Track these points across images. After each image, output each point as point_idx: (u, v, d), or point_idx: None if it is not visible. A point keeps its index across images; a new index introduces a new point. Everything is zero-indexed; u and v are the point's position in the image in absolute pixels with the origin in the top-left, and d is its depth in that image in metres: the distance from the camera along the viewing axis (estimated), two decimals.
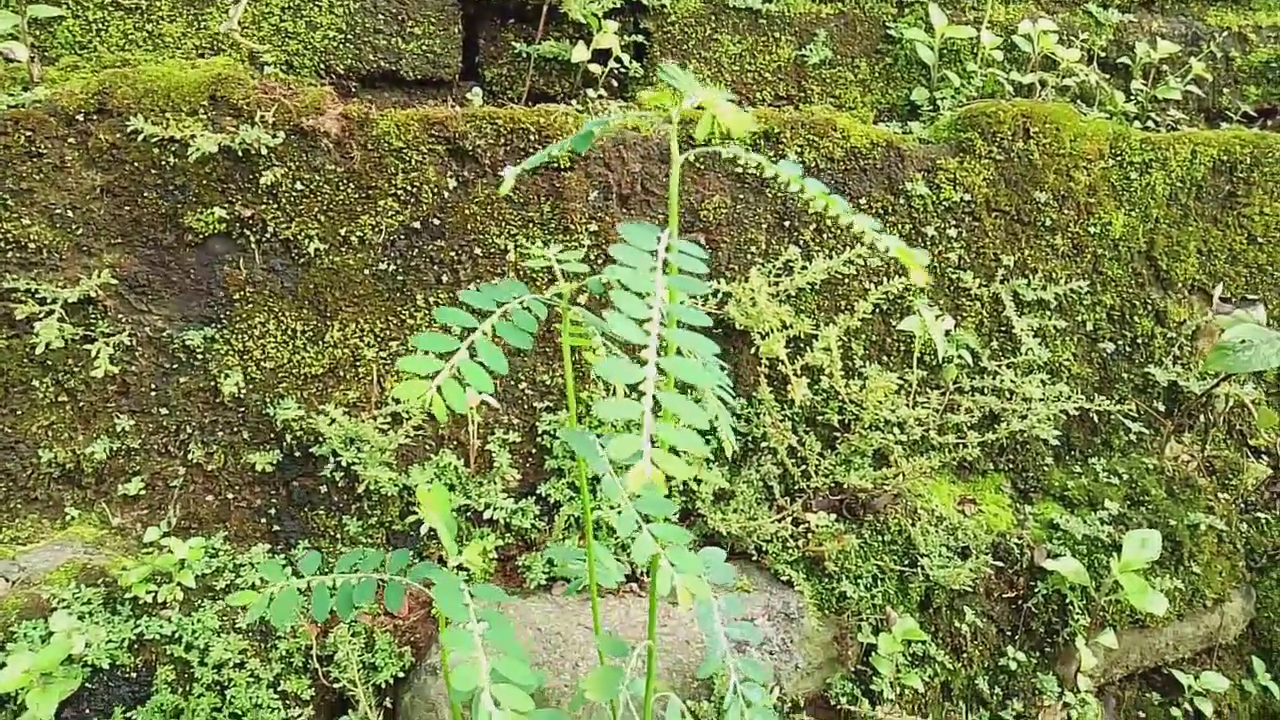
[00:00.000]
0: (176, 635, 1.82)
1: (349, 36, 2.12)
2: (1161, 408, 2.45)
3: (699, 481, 2.11)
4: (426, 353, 0.91)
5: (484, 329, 0.96)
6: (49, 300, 1.81)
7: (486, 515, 2.03)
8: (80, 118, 1.79)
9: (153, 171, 1.82)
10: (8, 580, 1.81)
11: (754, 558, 2.13)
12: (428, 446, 2.03)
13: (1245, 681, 2.43)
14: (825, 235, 2.17)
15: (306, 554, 1.13)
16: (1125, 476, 2.36)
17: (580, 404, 2.10)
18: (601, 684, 1.14)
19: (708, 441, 2.18)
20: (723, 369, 2.16)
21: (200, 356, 1.91)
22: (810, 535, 2.08)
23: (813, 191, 0.95)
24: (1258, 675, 2.42)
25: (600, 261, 2.06)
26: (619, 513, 0.99)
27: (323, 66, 2.12)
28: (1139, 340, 2.43)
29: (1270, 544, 2.41)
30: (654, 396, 0.80)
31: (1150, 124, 2.61)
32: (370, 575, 1.08)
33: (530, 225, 2.01)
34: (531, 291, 1.07)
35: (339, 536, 2.00)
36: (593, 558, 1.16)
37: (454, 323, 0.98)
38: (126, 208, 1.84)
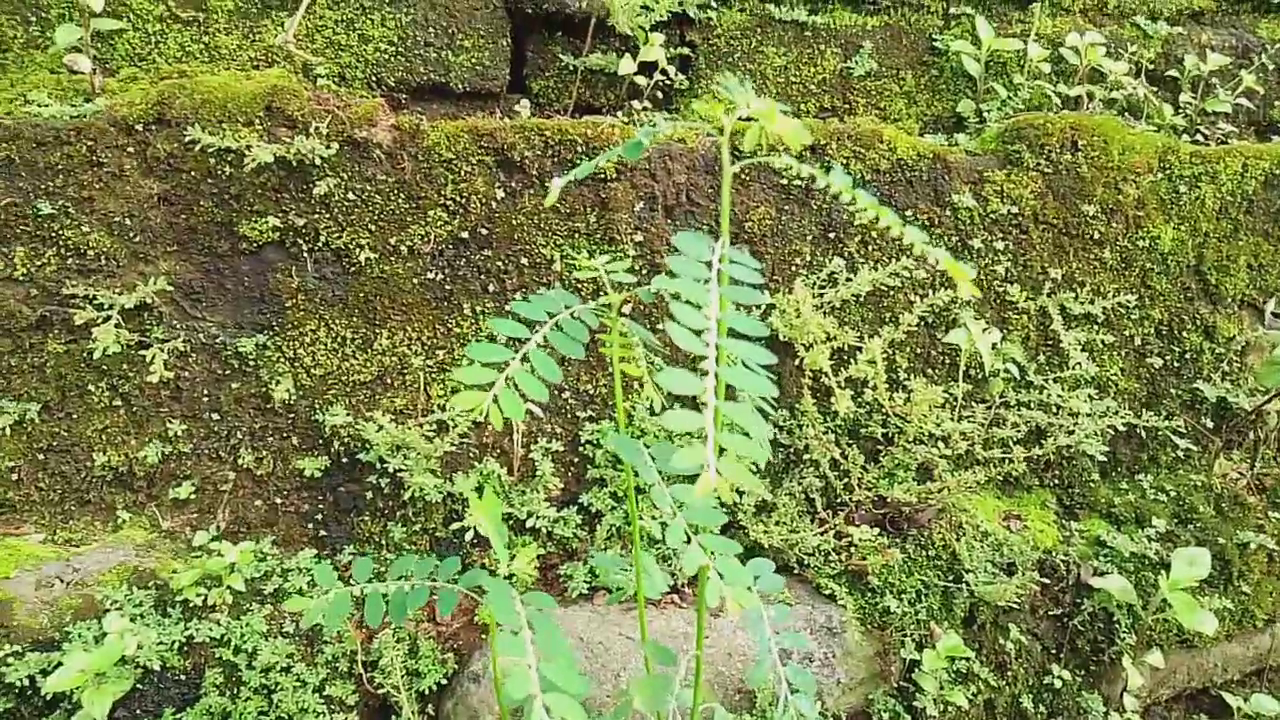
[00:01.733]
0: (225, 638, 1.84)
1: (400, 49, 2.16)
2: (1210, 424, 2.41)
3: (740, 493, 2.11)
4: (481, 363, 0.92)
5: (537, 339, 0.97)
6: (106, 306, 1.85)
7: (529, 524, 2.05)
8: (139, 128, 1.83)
9: (209, 180, 1.86)
10: (63, 581, 1.85)
11: (795, 571, 2.12)
12: (472, 454, 2.05)
13: None
14: (870, 247, 2.16)
15: (356, 560, 1.14)
16: (1173, 493, 2.33)
17: (601, 434, 2.11)
18: (650, 692, 1.14)
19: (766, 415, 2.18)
20: (771, 380, 2.16)
21: (252, 363, 1.94)
22: (853, 549, 2.07)
23: (864, 202, 0.95)
24: None
25: (645, 271, 2.07)
26: (664, 524, 0.99)
27: (374, 79, 2.16)
28: (1187, 355, 2.39)
29: None
30: (715, 406, 0.80)
31: (1199, 137, 2.58)
32: (423, 582, 1.10)
33: (576, 235, 2.03)
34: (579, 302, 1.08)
35: (383, 542, 2.03)
36: (640, 568, 1.17)
37: (506, 333, 1.00)
38: (183, 216, 1.88)
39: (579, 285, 2.03)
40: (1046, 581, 2.13)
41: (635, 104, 2.29)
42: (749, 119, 0.99)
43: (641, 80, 2.25)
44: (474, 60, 2.21)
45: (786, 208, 2.11)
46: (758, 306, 2.09)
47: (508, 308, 1.05)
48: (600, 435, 2.09)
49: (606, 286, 1.12)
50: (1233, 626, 2.23)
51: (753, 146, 0.97)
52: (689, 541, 0.99)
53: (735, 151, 2.03)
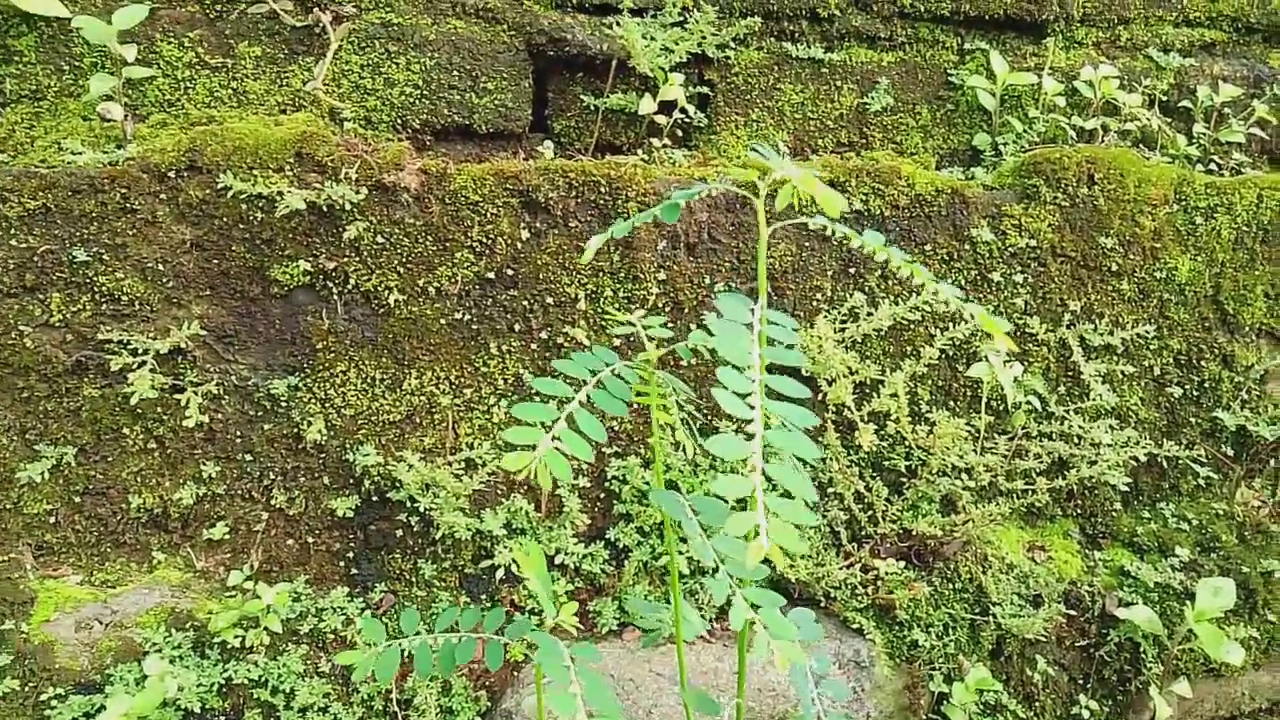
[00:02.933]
0: (263, 679, 1.87)
1: (425, 92, 2.20)
2: (1230, 452, 2.43)
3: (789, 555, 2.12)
4: (527, 422, 0.94)
5: (580, 398, 1.00)
6: (141, 351, 1.88)
7: (557, 560, 2.06)
8: (172, 174, 1.87)
9: (240, 226, 1.90)
10: (101, 623, 1.87)
11: (822, 604, 2.14)
12: (499, 491, 2.07)
13: None
14: (890, 282, 2.19)
15: (404, 611, 1.17)
16: (1195, 522, 2.34)
17: (642, 455, 2.13)
18: None
19: (774, 487, 2.19)
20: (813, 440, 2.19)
21: (284, 404, 1.97)
22: (879, 582, 2.09)
23: (898, 260, 0.97)
24: None
25: (668, 309, 2.10)
26: (709, 570, 1.01)
27: (399, 121, 2.20)
28: (1206, 384, 2.41)
29: None
30: (763, 471, 0.83)
31: (1213, 167, 2.60)
32: (470, 635, 1.12)
33: (600, 274, 2.05)
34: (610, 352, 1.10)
35: (414, 580, 2.05)
36: (679, 613, 1.18)
37: (549, 391, 1.02)
38: (215, 261, 1.91)
39: (602, 324, 2.06)
40: (1072, 613, 2.14)
41: (655, 141, 2.32)
42: (784, 180, 1.02)
43: (661, 119, 2.28)
44: (497, 102, 2.25)
45: (807, 244, 2.14)
46: (796, 369, 2.12)
47: (552, 364, 1.08)
48: (626, 471, 2.12)
49: (644, 341, 1.15)
50: (1259, 655, 2.23)
51: (785, 205, 1.00)
52: (734, 594, 1.01)
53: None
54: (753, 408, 0.85)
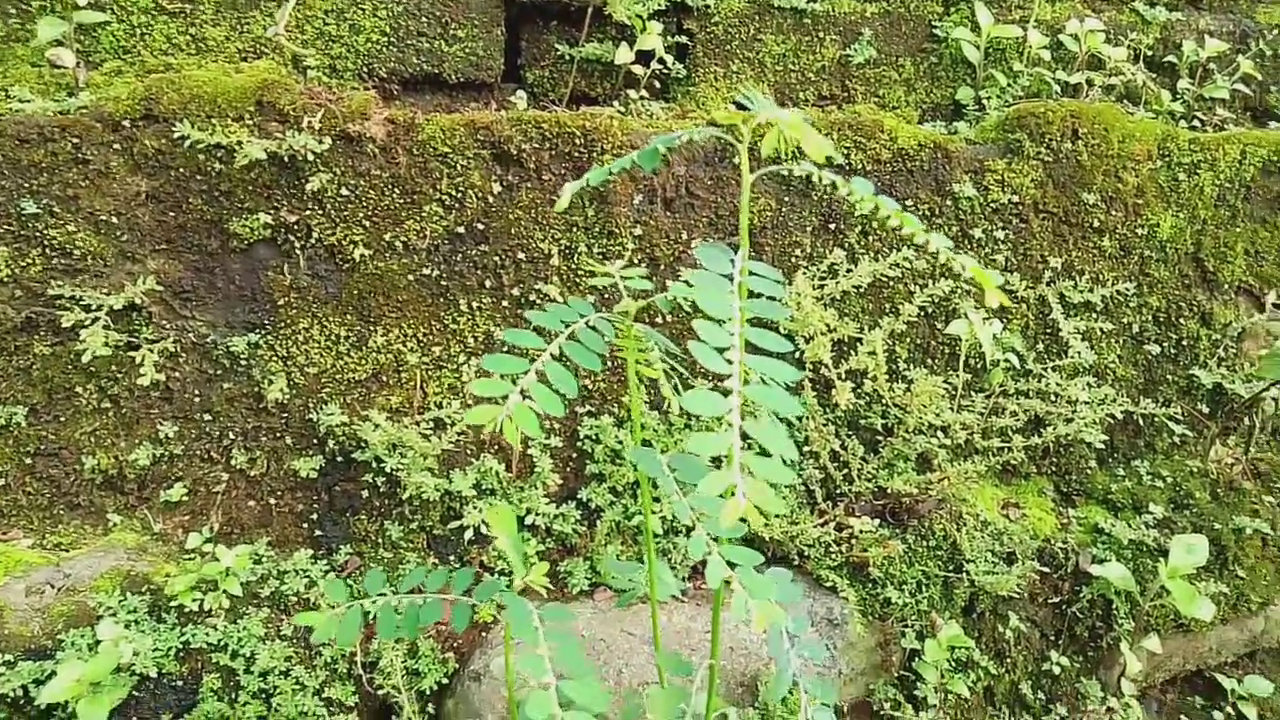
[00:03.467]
0: (222, 643, 1.82)
1: (392, 40, 2.11)
2: (1206, 410, 2.42)
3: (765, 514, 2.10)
4: (495, 375, 0.90)
5: (552, 350, 0.95)
6: (94, 307, 1.81)
7: (528, 520, 2.03)
8: (126, 124, 1.79)
9: (198, 177, 1.82)
10: (54, 587, 1.82)
11: (796, 562, 2.12)
12: (469, 451, 2.03)
13: None
14: (870, 238, 2.15)
15: (369, 573, 1.12)
16: (1169, 480, 2.34)
17: (616, 415, 2.09)
18: (664, 705, 1.13)
19: (749, 445, 2.16)
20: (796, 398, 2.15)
21: (244, 362, 1.91)
22: (854, 540, 2.07)
23: (886, 209, 0.93)
24: None
25: (644, 263, 2.04)
26: (686, 528, 0.98)
27: (365, 70, 2.11)
28: (1184, 342, 2.40)
29: None
30: (741, 429, 0.79)
31: (1197, 123, 2.57)
32: (436, 596, 1.08)
33: (574, 229, 2.00)
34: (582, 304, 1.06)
35: (380, 541, 2.01)
36: (654, 573, 1.15)
37: (521, 344, 0.97)
38: (171, 214, 1.84)
39: (576, 281, 2.00)
40: (1045, 570, 2.14)
41: (632, 93, 2.25)
42: (769, 124, 0.97)
43: (638, 69, 2.21)
44: (468, 50, 2.17)
45: (787, 199, 2.09)
46: (776, 322, 2.08)
47: (526, 315, 1.02)
48: (599, 430, 2.08)
49: (623, 293, 1.10)
50: (1228, 610, 2.25)
51: (771, 152, 0.95)
52: (710, 553, 0.97)
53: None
54: (731, 363, 0.80)
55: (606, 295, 2.01)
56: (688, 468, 1.01)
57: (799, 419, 2.16)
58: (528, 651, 0.93)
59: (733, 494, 0.73)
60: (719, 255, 0.87)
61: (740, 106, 0.93)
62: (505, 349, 1.92)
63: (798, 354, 2.11)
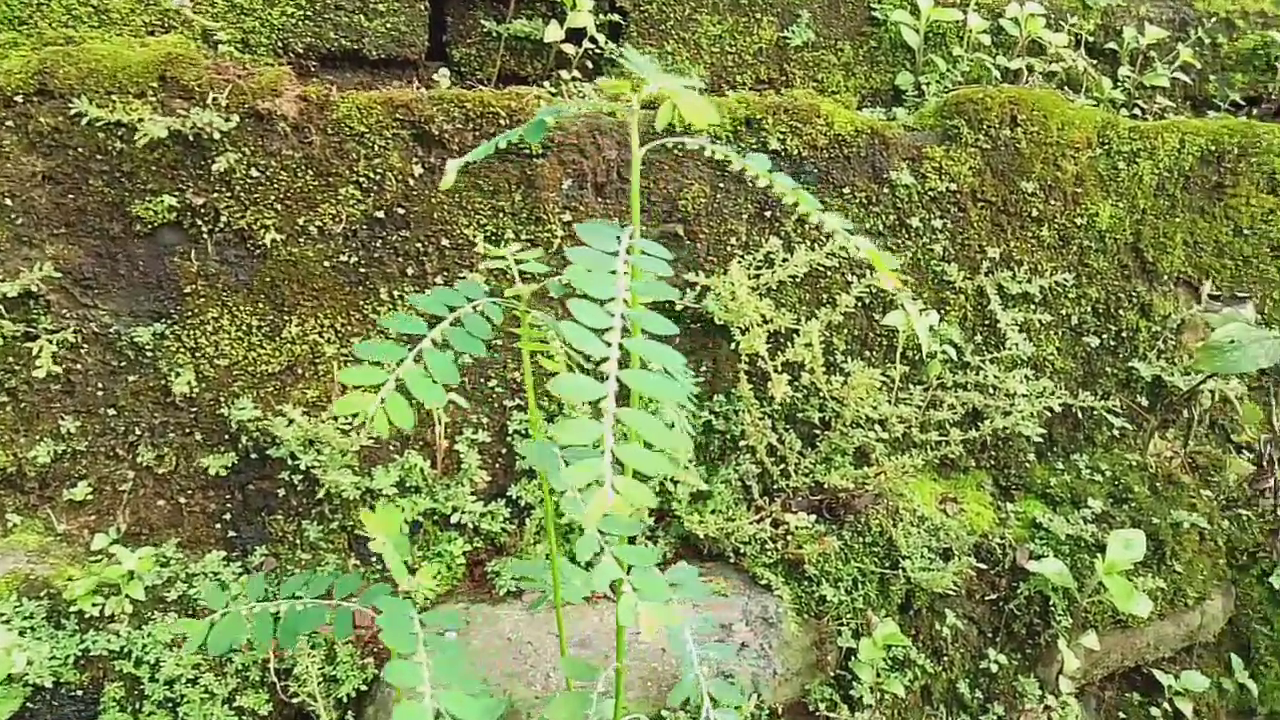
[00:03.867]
0: (126, 650, 1.73)
1: (309, 14, 2.01)
2: (1145, 402, 2.41)
3: (675, 482, 2.04)
4: (369, 363, 0.83)
5: (433, 336, 0.88)
6: None
7: (454, 519, 1.95)
8: (19, 99, 1.68)
9: (98, 157, 1.72)
10: None
11: (732, 560, 2.07)
12: (392, 447, 1.95)
13: (1224, 679, 2.40)
14: (807, 227, 2.09)
15: (251, 578, 1.05)
16: (1108, 473, 2.32)
17: (547, 409, 2.02)
18: (564, 712, 1.07)
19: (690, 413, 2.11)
20: (697, 372, 2.08)
21: (150, 354, 1.81)
22: (790, 537, 2.02)
23: (782, 187, 0.87)
24: (1236, 673, 2.40)
25: None
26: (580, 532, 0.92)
27: (280, 45, 2.01)
28: (1124, 334, 2.37)
29: (1251, 541, 2.38)
30: (615, 416, 0.72)
31: (1137, 111, 2.55)
32: (316, 602, 1.00)
33: (501, 215, 1.92)
34: (498, 289, 0.99)
35: (298, 543, 1.92)
36: (558, 576, 1.08)
37: (402, 329, 0.90)
38: (70, 196, 1.74)
39: (504, 272, 1.93)
40: (983, 566, 2.10)
41: (564, 74, 2.18)
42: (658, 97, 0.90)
43: (570, 49, 2.13)
44: (389, 25, 2.08)
45: (722, 186, 2.02)
46: (682, 291, 2.01)
47: (407, 299, 0.95)
48: (529, 425, 2.00)
49: (516, 277, 1.03)
50: (1165, 606, 2.23)
51: (666, 124, 0.88)
52: (601, 553, 0.91)
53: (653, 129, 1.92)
54: (610, 345, 0.74)
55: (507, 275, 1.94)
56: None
57: (735, 413, 2.11)
58: (402, 661, 0.86)
59: (599, 486, 0.67)
60: (604, 232, 0.81)
61: (632, 66, 0.87)
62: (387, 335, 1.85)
63: (734, 346, 2.05)
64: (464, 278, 1.92)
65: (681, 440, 0.93)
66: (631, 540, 0.93)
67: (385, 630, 0.88)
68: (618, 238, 0.81)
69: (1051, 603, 2.11)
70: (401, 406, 0.83)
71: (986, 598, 2.12)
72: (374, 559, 1.97)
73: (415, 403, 0.93)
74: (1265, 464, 2.31)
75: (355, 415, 1.92)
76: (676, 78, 0.81)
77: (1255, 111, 2.77)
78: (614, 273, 0.77)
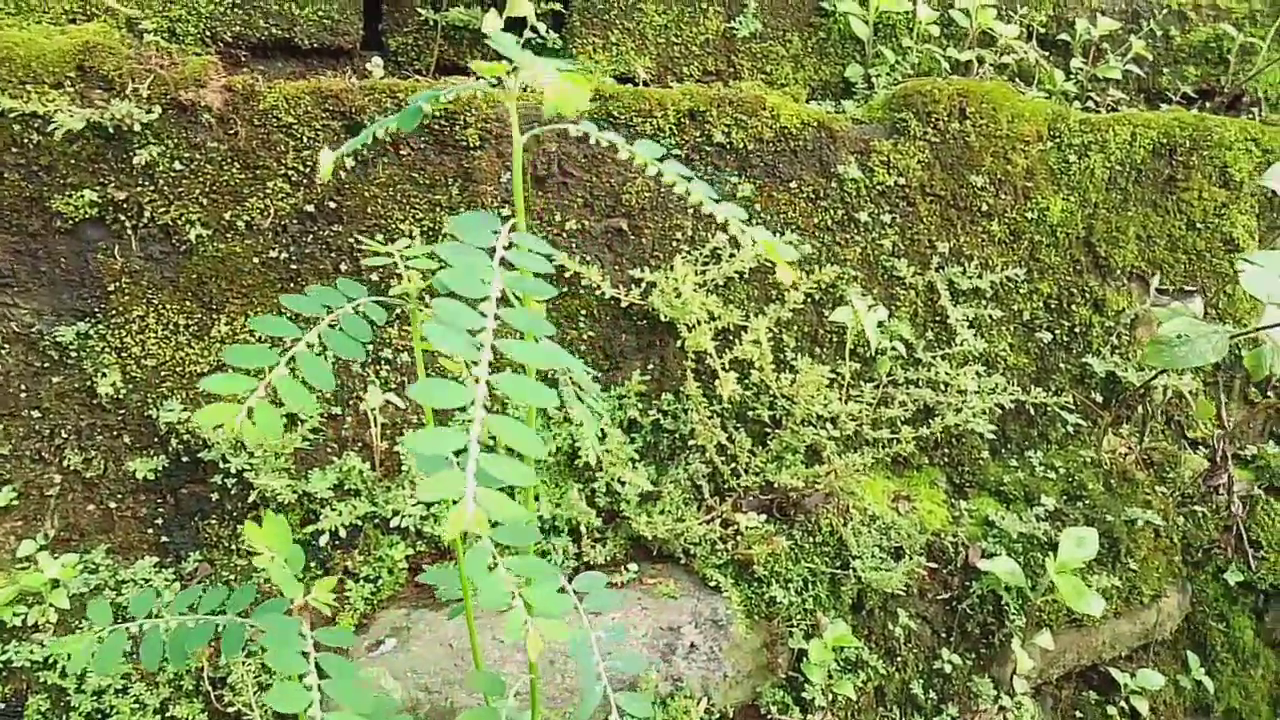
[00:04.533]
0: (50, 661, 1.68)
1: (237, 1, 1.95)
2: (1099, 399, 2.38)
3: (623, 483, 2.00)
4: (237, 369, 0.78)
5: (308, 339, 0.83)
6: None
7: (395, 523, 1.90)
8: None
9: (14, 150, 1.66)
10: None
11: (681, 561, 2.03)
12: (329, 449, 1.89)
13: (1180, 677, 2.39)
14: (754, 221, 2.05)
15: (135, 596, 1.00)
16: (1062, 470, 2.29)
17: (496, 402, 1.97)
18: None
19: (632, 440, 2.06)
20: (643, 370, 2.04)
21: (74, 354, 1.75)
22: (740, 537, 1.98)
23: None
24: (1192, 670, 2.38)
25: None
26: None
27: (209, 34, 1.95)
28: (1076, 329, 2.35)
29: (1206, 538, 2.36)
30: (483, 423, 0.68)
31: (1090, 104, 2.53)
32: (206, 618, 0.95)
33: (438, 209, 1.87)
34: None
35: (233, 547, 1.86)
36: (466, 587, 1.04)
37: (274, 332, 0.85)
38: None
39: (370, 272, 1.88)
40: (935, 565, 2.07)
41: (504, 64, 2.12)
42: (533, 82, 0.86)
43: (510, 39, 2.08)
44: (321, 13, 2.02)
45: (646, 173, 1.98)
46: (614, 299, 1.96)
47: (280, 300, 0.90)
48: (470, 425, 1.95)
49: (403, 273, 0.98)
50: (1120, 604, 2.21)
51: (553, 112, 0.83)
52: (493, 568, 0.87)
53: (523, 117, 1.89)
54: (480, 348, 0.69)
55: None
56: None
57: (684, 411, 2.07)
58: (287, 683, 0.81)
59: (458, 499, 0.62)
60: (478, 225, 0.76)
61: (501, 48, 0.82)
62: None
63: (681, 343, 2.01)
64: (399, 273, 1.87)
65: (591, 439, 0.89)
66: (578, 550, 0.88)
67: (270, 650, 0.83)
68: (494, 231, 0.77)
69: (1005, 602, 2.08)
70: (271, 416, 0.78)
71: (939, 597, 2.09)
72: (313, 563, 1.92)
73: (303, 405, 0.88)
74: (1219, 460, 2.29)
75: (290, 416, 1.87)
76: (550, 61, 0.76)
77: (1208, 105, 2.75)
78: (489, 269, 0.73)
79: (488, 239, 0.75)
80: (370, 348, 1.90)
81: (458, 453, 0.63)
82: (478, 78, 0.88)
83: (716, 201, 0.81)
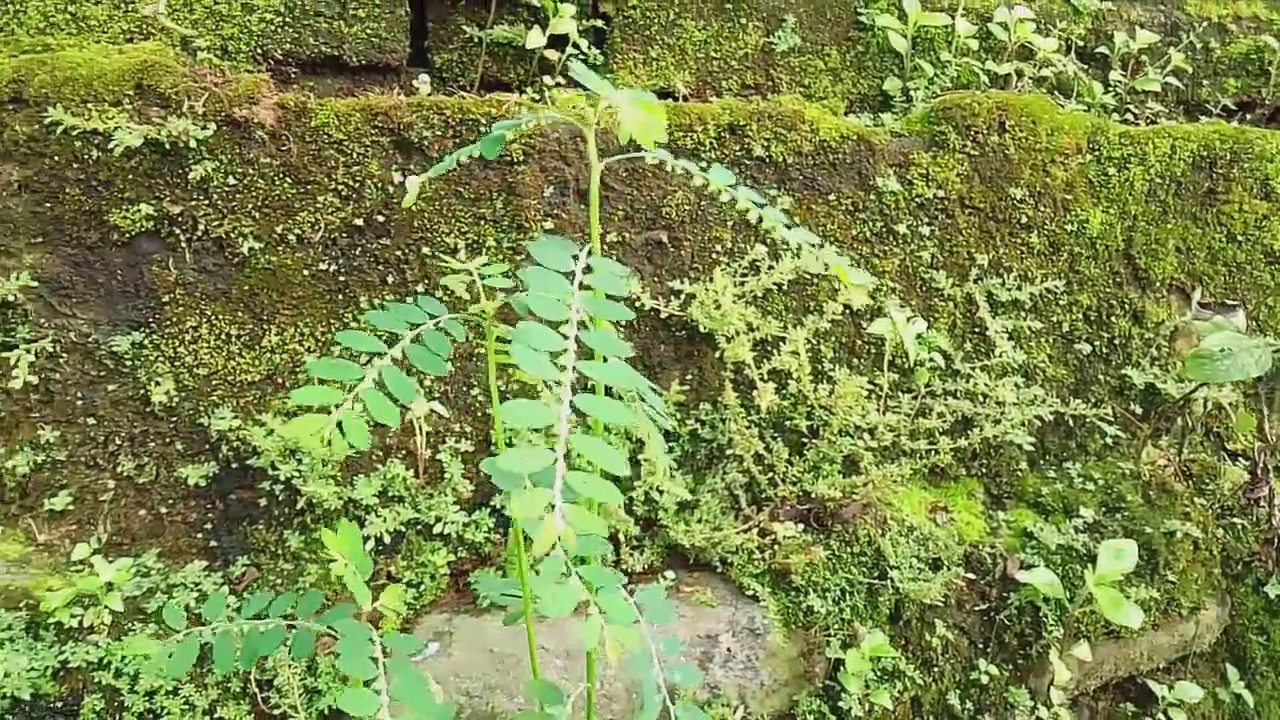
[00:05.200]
0: (105, 661, 1.72)
1: (288, 19, 2.00)
2: (1138, 410, 2.38)
3: (661, 491, 2.02)
4: (324, 382, 0.81)
5: (393, 354, 0.86)
6: None
7: (437, 529, 1.93)
8: None
9: (74, 165, 1.71)
10: None
11: (718, 570, 2.04)
12: (374, 457, 1.93)
13: (1219, 690, 2.38)
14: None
15: (210, 597, 1.03)
16: (1101, 482, 2.29)
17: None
18: None
19: (670, 449, 2.09)
20: (682, 380, 2.06)
21: (129, 363, 1.79)
22: (777, 547, 2.00)
23: (746, 202, 0.85)
24: (1231, 683, 2.37)
25: None
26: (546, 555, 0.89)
27: (260, 52, 2.00)
28: (1116, 341, 2.35)
29: (1246, 550, 2.35)
30: (568, 443, 0.70)
31: (1129, 116, 2.53)
32: (278, 623, 0.98)
33: (482, 222, 1.90)
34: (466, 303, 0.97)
35: (279, 552, 1.90)
36: (528, 596, 1.06)
37: (360, 347, 0.88)
38: (47, 204, 1.73)
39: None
40: (973, 576, 2.08)
41: (546, 79, 2.16)
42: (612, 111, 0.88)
43: (552, 54, 2.12)
44: (369, 31, 2.06)
45: (707, 192, 2.00)
46: (654, 310, 1.98)
47: (365, 317, 0.93)
48: (513, 434, 1.98)
49: (481, 292, 1.01)
50: (1159, 616, 2.20)
51: (628, 139, 0.86)
52: (567, 575, 0.89)
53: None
54: (564, 369, 0.72)
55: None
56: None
57: (721, 421, 2.09)
58: (358, 688, 0.84)
59: (549, 514, 0.65)
60: (557, 250, 0.79)
61: (586, 82, 0.85)
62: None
63: (719, 354, 2.03)
64: (445, 285, 1.90)
65: (659, 454, 0.92)
66: (616, 558, 0.91)
67: (343, 656, 0.86)
68: (574, 256, 0.79)
69: (1042, 613, 2.08)
70: (359, 428, 0.81)
71: (977, 608, 2.10)
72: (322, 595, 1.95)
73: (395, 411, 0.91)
74: (1260, 473, 2.28)
75: (337, 423, 1.90)
76: (630, 92, 0.79)
77: (1248, 116, 2.74)
78: (569, 293, 0.75)
79: (566, 263, 0.78)
80: None
81: (546, 471, 0.66)
82: (532, 97, 0.91)
83: (789, 228, 0.83)
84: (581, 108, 0.84)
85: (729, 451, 2.08)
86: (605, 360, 0.75)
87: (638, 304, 1.99)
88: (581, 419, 0.70)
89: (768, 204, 0.87)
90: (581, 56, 2.18)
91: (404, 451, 1.95)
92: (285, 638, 1.01)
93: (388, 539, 1.92)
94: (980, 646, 2.10)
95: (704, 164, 0.91)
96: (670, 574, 2.04)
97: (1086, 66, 2.52)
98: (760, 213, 0.86)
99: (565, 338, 0.73)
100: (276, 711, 1.78)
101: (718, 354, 2.04)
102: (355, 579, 0.94)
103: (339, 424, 0.80)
